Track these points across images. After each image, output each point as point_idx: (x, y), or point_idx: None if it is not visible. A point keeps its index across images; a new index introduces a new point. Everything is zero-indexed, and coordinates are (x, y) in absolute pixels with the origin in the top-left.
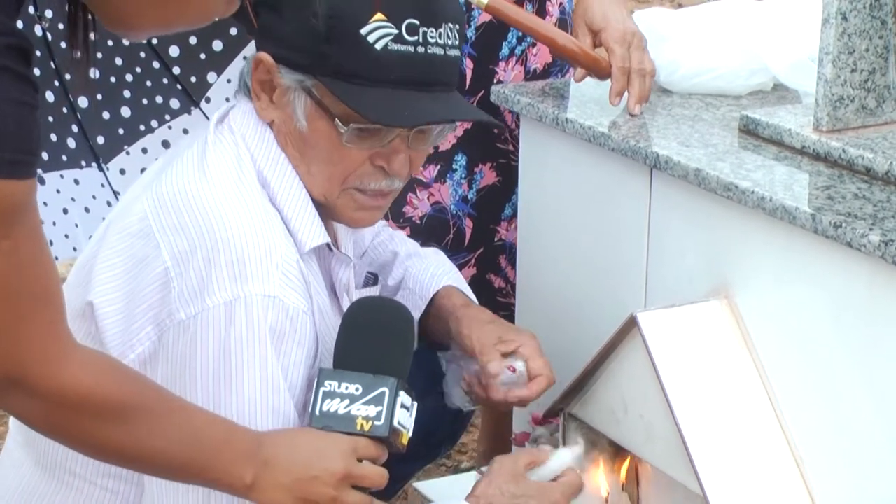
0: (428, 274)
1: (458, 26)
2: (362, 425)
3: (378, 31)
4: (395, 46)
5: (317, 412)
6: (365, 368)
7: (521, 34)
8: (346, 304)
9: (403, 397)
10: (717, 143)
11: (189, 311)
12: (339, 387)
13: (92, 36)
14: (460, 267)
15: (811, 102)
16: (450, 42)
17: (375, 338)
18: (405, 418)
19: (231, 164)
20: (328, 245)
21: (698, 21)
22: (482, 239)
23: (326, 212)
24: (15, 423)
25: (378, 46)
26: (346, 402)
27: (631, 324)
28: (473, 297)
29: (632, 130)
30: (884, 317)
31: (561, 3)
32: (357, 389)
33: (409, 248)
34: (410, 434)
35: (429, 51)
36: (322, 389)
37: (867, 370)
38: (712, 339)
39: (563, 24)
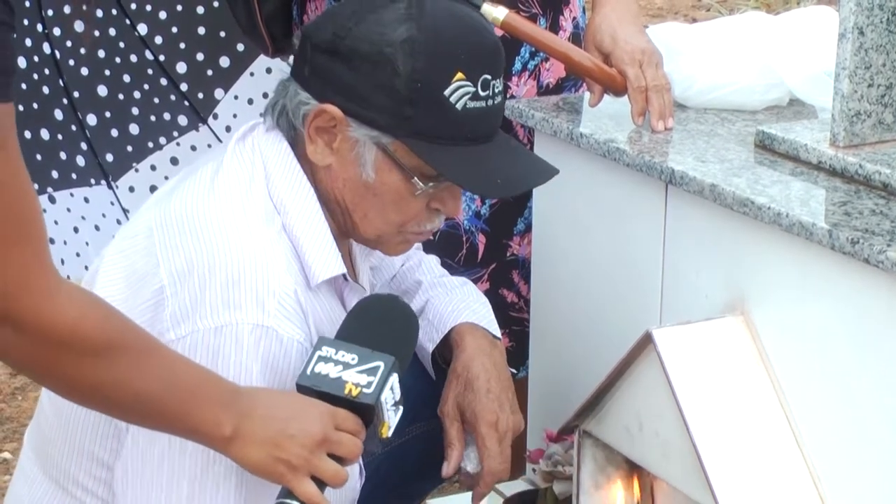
0: (449, 308)
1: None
2: (350, 390)
3: (459, 91)
4: (472, 104)
5: (307, 371)
6: (368, 344)
7: (533, 49)
8: None
9: (395, 382)
10: (732, 158)
11: (179, 331)
12: (335, 354)
13: None
14: (474, 282)
15: (827, 118)
16: (501, 88)
17: (381, 327)
18: (390, 403)
19: (241, 187)
20: (343, 275)
21: (713, 36)
22: (495, 254)
23: (365, 243)
24: (28, 436)
25: (459, 106)
26: (340, 367)
27: (646, 340)
28: (494, 330)
29: (647, 146)
30: None
31: (574, 18)
32: (353, 359)
33: (435, 276)
34: (391, 431)
35: (494, 102)
36: (318, 353)
37: (886, 387)
38: (728, 355)
39: (576, 38)
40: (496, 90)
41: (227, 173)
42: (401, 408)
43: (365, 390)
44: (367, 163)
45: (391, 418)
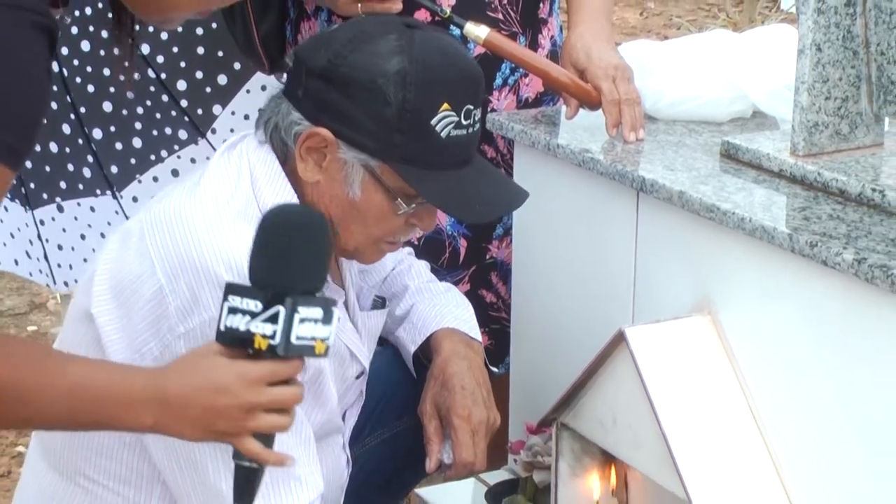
0: (432, 313)
1: None
2: (260, 343)
3: (444, 121)
4: (455, 132)
5: (221, 327)
6: (271, 282)
7: (514, 65)
8: (337, 331)
9: (307, 312)
10: (699, 167)
11: (188, 324)
12: (241, 303)
13: (133, 37)
14: (455, 284)
15: (788, 128)
16: (480, 115)
17: (283, 251)
18: (312, 330)
19: (226, 186)
20: None
21: (682, 52)
22: (475, 257)
23: (341, 253)
24: (35, 431)
25: (443, 135)
26: (247, 318)
27: (619, 338)
28: (474, 333)
29: (619, 156)
30: (857, 330)
31: (552, 36)
32: (256, 306)
33: (423, 281)
34: (330, 340)
35: (474, 129)
36: (227, 304)
37: (842, 380)
38: (696, 352)
39: (554, 55)
40: (476, 118)
41: (212, 176)
42: (333, 317)
43: (272, 342)
44: (355, 183)
45: (321, 334)
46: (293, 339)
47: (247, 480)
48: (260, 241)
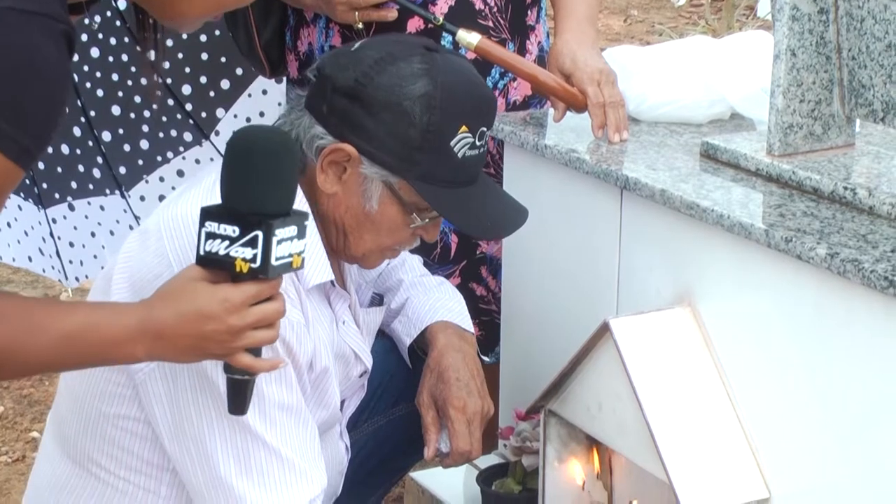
0: (426, 307)
1: None
2: (241, 267)
3: (462, 142)
4: (470, 153)
5: (200, 252)
6: (245, 205)
7: (503, 70)
8: (342, 334)
9: (283, 232)
10: (680, 166)
11: None
12: (218, 228)
13: (159, 36)
14: (446, 277)
15: (764, 130)
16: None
17: (254, 174)
18: (289, 248)
19: None
20: (331, 282)
21: (663, 57)
22: (466, 252)
23: (347, 259)
24: (50, 415)
25: (460, 155)
26: (226, 243)
27: (604, 329)
28: (467, 324)
29: (604, 156)
30: (829, 321)
31: (539, 42)
32: (234, 231)
33: (416, 275)
34: (305, 252)
35: (484, 149)
36: (204, 229)
37: (815, 367)
38: (677, 342)
39: (541, 60)
40: (486, 139)
41: None
42: (307, 230)
43: (252, 265)
44: (373, 197)
45: (298, 250)
46: (273, 261)
47: (239, 391)
48: (232, 165)
